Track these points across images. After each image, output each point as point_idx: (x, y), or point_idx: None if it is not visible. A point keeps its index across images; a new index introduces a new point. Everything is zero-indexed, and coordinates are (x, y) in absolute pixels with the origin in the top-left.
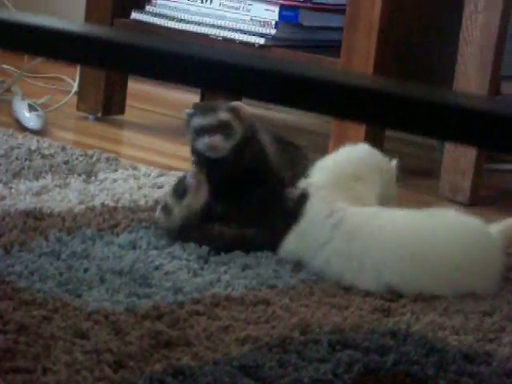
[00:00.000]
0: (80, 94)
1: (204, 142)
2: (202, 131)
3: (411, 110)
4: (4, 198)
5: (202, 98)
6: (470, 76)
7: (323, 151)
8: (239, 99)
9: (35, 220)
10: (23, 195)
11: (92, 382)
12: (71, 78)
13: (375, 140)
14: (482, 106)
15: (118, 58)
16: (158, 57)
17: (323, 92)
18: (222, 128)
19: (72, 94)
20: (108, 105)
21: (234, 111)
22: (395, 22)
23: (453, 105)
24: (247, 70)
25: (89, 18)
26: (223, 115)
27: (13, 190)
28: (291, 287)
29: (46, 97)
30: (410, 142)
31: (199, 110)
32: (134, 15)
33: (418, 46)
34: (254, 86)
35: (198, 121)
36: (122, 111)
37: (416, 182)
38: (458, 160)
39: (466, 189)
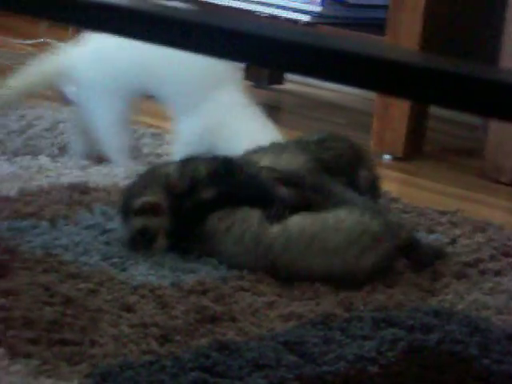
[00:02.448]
0: None
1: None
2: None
3: (456, 87)
4: (50, 171)
5: (247, 72)
6: None
7: (365, 129)
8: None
9: (80, 194)
10: (69, 169)
11: (138, 354)
12: None
13: (418, 118)
14: None
15: (165, 33)
16: (203, 31)
17: (368, 67)
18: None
19: None
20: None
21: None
22: None
23: (498, 81)
24: (292, 45)
25: None
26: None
27: (59, 164)
28: None
29: None
30: (453, 121)
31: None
32: None
33: (463, 23)
34: (299, 61)
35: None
36: None
37: (459, 161)
38: (502, 140)
39: (509, 169)
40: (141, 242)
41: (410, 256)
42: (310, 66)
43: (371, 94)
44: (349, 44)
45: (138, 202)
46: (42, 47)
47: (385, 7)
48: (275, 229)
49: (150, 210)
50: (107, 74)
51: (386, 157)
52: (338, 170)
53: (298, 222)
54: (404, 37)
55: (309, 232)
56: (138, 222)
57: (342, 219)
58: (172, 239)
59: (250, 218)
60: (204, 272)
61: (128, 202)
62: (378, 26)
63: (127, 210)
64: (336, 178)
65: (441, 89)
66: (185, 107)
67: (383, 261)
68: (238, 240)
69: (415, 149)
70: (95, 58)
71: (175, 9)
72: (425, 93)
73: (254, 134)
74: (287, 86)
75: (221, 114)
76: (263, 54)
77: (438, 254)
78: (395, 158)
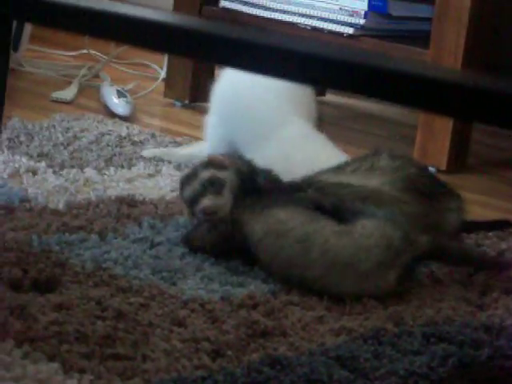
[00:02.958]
0: (167, 80)
1: (199, 208)
2: (193, 201)
3: (499, 105)
4: (96, 184)
5: None
6: None
7: (407, 142)
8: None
9: (128, 207)
10: (115, 182)
11: (191, 370)
12: (158, 65)
13: (462, 131)
14: None
15: (205, 48)
16: (244, 47)
17: (410, 85)
18: (209, 186)
19: (159, 80)
20: (195, 92)
21: (211, 164)
22: (485, 11)
23: None
24: (334, 62)
25: (177, 6)
26: (203, 175)
27: (105, 177)
28: None
29: (134, 83)
30: (498, 133)
31: (185, 181)
32: (223, 3)
33: (508, 35)
34: (341, 78)
35: (186, 193)
36: (209, 98)
37: (503, 174)
38: None
39: None
40: (209, 193)
41: (443, 260)
42: (353, 83)
43: None
44: (390, 61)
45: (205, 158)
46: (85, 58)
47: (429, 20)
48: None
49: (217, 164)
50: None
51: (430, 169)
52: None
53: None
54: (447, 50)
55: (342, 256)
56: (207, 173)
57: (368, 235)
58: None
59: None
60: (253, 286)
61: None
62: (421, 39)
63: (194, 175)
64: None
65: (481, 106)
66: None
67: (405, 273)
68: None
69: (459, 161)
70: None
71: (216, 25)
72: (464, 110)
73: (321, 161)
74: (329, 97)
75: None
76: (303, 70)
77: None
78: (439, 171)
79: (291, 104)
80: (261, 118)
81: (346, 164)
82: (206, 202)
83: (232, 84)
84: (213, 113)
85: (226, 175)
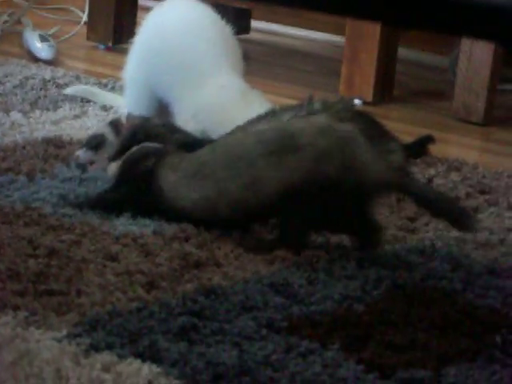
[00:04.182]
0: (90, 23)
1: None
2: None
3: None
4: (23, 126)
5: None
6: None
7: (333, 76)
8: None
9: (55, 148)
10: (42, 124)
11: (126, 302)
12: (79, 9)
13: (387, 63)
14: None
15: None
16: None
17: None
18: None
19: (81, 24)
20: (118, 34)
21: (112, 125)
22: None
23: None
24: None
25: None
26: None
27: (31, 120)
28: None
29: (56, 28)
30: (422, 64)
31: None
32: None
33: None
34: None
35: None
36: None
37: (429, 103)
38: (472, 80)
39: (479, 109)
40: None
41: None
42: None
43: (338, 41)
44: None
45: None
46: (6, 5)
47: None
48: None
49: (114, 124)
50: None
51: (356, 101)
52: None
53: None
54: None
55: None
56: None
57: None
58: None
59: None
60: (185, 221)
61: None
62: None
63: None
64: None
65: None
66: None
67: None
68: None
69: (385, 93)
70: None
71: None
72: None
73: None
74: (253, 35)
75: (216, 98)
76: None
77: None
78: (365, 103)
79: (222, 53)
80: (191, 66)
81: (281, 112)
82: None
83: (158, 28)
84: (135, 59)
85: (110, 134)
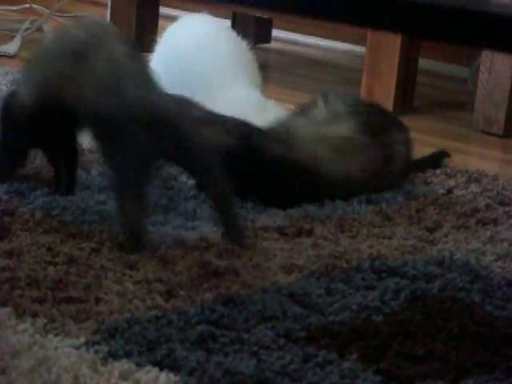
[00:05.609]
0: None
1: None
2: None
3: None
4: None
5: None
6: None
7: (354, 86)
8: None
9: None
10: None
11: (144, 310)
12: (101, 17)
13: (407, 73)
14: None
15: None
16: None
17: None
18: None
19: None
20: (140, 42)
21: None
22: None
23: None
24: None
25: None
26: None
27: None
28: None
29: None
30: (442, 75)
31: None
32: None
33: None
34: None
35: None
36: (152, 50)
37: (449, 114)
38: (492, 92)
39: (500, 120)
40: None
41: None
42: None
43: (359, 51)
44: None
45: None
46: (27, 13)
47: None
48: None
49: None
50: None
51: None
52: None
53: None
54: None
55: None
56: None
57: None
58: None
59: None
60: (206, 229)
61: None
62: None
63: None
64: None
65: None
66: None
67: None
68: None
69: (405, 103)
70: None
71: None
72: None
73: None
74: (274, 44)
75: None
76: None
77: None
78: None
79: (238, 67)
80: (208, 81)
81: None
82: None
83: (174, 45)
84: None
85: None
